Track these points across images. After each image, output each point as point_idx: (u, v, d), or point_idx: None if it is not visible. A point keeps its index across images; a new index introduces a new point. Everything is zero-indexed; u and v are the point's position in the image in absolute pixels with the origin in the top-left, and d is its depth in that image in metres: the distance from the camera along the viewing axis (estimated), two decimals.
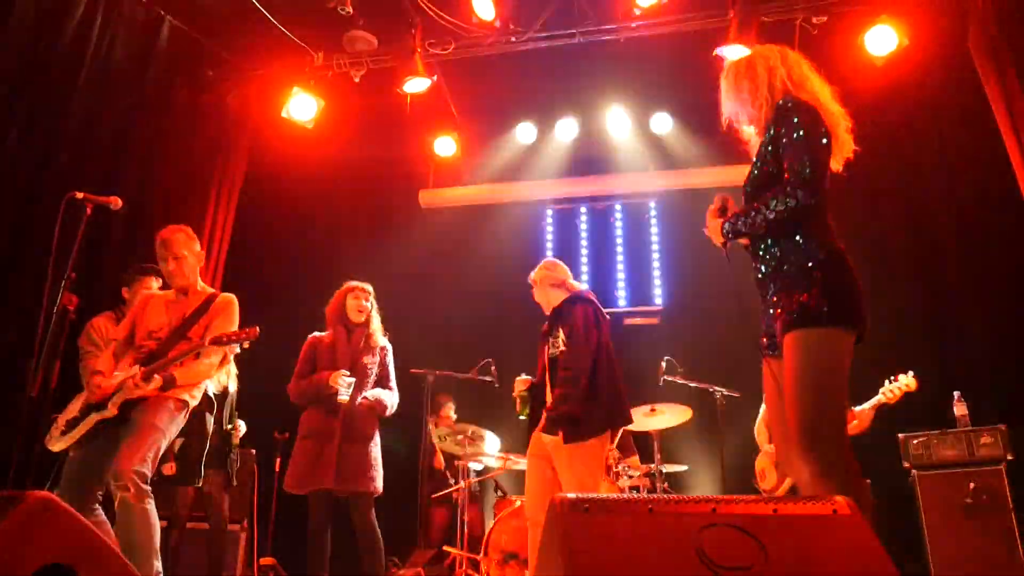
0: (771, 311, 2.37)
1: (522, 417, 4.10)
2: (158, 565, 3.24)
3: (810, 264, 2.28)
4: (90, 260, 4.59)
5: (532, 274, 4.28)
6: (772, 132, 2.40)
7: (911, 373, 4.56)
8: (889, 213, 6.77)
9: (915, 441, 4.57)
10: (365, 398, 4.42)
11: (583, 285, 4.31)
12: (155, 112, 5.95)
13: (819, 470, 2.10)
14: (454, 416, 6.46)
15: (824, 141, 2.33)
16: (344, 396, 4.28)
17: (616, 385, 3.88)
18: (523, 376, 4.16)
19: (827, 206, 2.40)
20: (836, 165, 2.50)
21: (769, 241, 2.39)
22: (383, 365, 4.62)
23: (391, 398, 4.58)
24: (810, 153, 2.28)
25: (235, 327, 3.65)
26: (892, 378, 4.62)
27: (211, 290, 3.85)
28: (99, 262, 5.17)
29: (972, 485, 4.27)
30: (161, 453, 3.39)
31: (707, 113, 7.58)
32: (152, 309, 3.76)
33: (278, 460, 5.59)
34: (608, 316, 4.10)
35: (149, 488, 3.27)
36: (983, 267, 5.98)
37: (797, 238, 2.33)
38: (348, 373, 4.34)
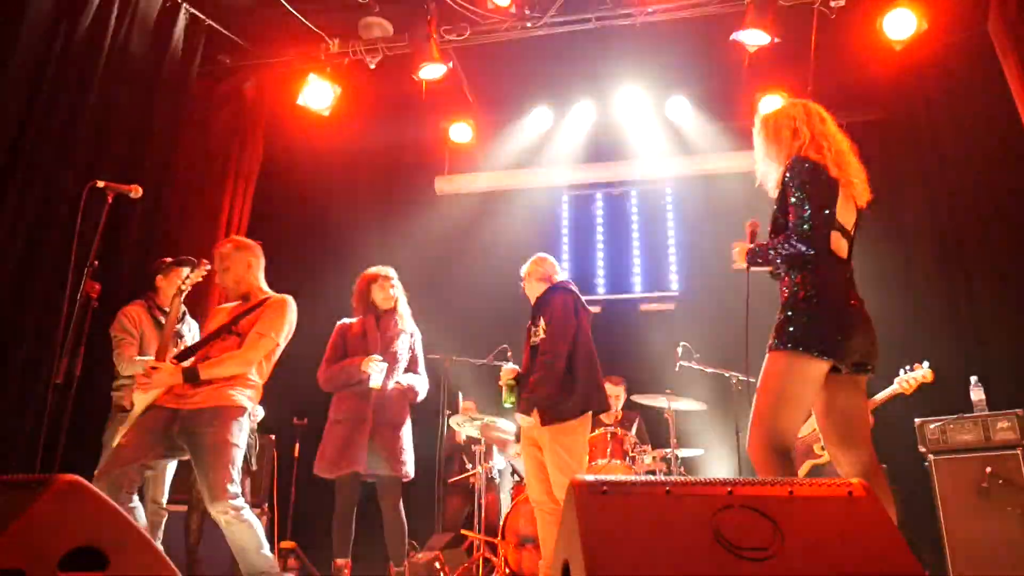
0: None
1: (507, 405, 4.22)
2: (268, 551, 3.32)
3: (801, 295, 2.65)
4: (109, 248, 4.64)
5: (522, 269, 4.40)
6: (784, 186, 2.73)
7: (927, 364, 4.56)
8: (908, 198, 6.72)
9: (932, 426, 4.56)
10: (398, 383, 4.44)
11: (564, 275, 4.41)
12: (172, 101, 5.98)
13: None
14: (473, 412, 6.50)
15: (821, 203, 2.65)
16: (376, 381, 4.27)
17: (593, 371, 4.04)
18: (510, 365, 4.26)
19: (844, 246, 2.74)
20: (860, 204, 2.79)
21: (783, 270, 2.78)
22: (412, 351, 4.64)
23: (422, 383, 4.61)
24: (811, 211, 2.62)
25: (285, 326, 3.64)
26: (909, 368, 4.62)
27: (272, 293, 3.82)
28: (118, 250, 5.22)
29: (988, 469, 4.26)
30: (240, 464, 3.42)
31: (723, 98, 7.59)
32: (212, 317, 3.84)
33: (297, 445, 5.65)
34: (588, 307, 4.25)
35: (243, 502, 3.30)
36: (1002, 251, 5.93)
37: (804, 274, 2.68)
38: (380, 358, 4.34)
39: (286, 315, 3.65)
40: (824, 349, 2.56)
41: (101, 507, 1.75)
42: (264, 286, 3.81)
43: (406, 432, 4.45)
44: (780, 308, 2.70)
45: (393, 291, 4.62)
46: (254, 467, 5.33)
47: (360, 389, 4.33)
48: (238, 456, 3.37)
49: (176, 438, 3.33)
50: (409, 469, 4.38)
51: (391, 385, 4.41)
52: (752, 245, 2.83)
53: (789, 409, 2.60)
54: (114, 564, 1.70)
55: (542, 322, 4.08)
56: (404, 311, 4.66)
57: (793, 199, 2.65)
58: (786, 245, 2.63)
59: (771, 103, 6.71)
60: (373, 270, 4.69)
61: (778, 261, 2.70)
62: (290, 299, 3.74)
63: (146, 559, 1.79)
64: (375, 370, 4.28)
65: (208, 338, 3.57)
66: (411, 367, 4.61)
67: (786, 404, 2.60)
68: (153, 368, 3.37)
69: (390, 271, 4.71)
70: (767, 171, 2.95)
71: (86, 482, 1.75)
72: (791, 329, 2.60)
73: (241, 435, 3.42)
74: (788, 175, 2.69)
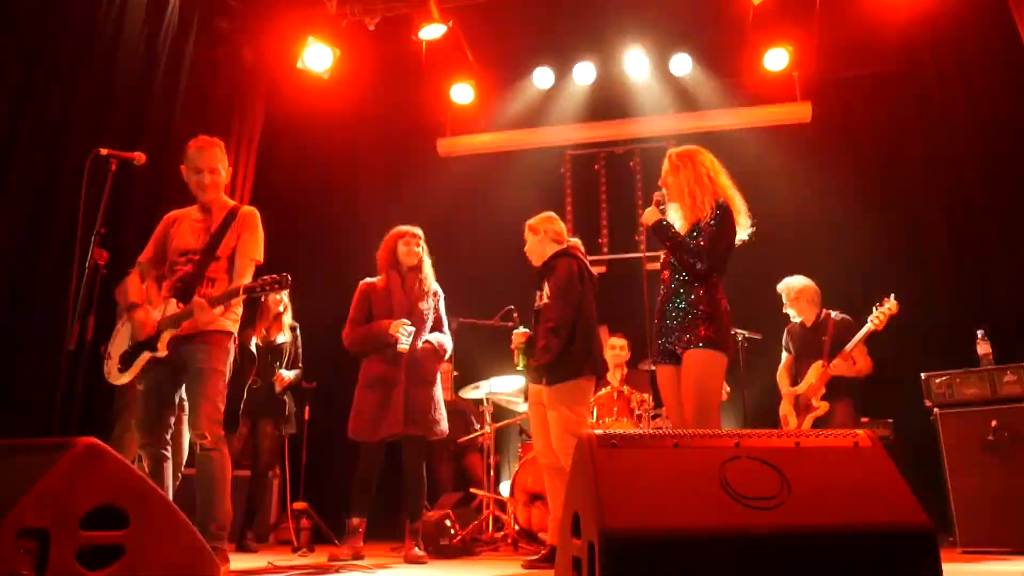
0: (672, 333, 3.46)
1: (520, 368, 4.24)
2: (229, 505, 3.39)
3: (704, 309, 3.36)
4: (115, 215, 4.65)
5: (532, 221, 4.32)
6: (706, 220, 3.41)
7: (892, 296, 4.70)
8: (916, 154, 6.67)
9: (938, 380, 4.57)
10: (427, 342, 4.47)
11: (575, 239, 4.37)
12: (171, 67, 5.94)
13: None
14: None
15: (730, 242, 3.45)
16: (405, 345, 4.28)
17: (592, 339, 4.07)
18: (521, 329, 4.26)
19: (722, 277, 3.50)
20: (741, 237, 3.52)
21: (680, 279, 3.50)
22: (437, 310, 4.66)
23: (448, 342, 4.64)
24: (723, 246, 3.40)
25: (260, 244, 3.64)
26: (878, 304, 4.69)
27: (231, 202, 3.77)
28: (123, 217, 5.23)
29: (994, 423, 4.28)
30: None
31: (728, 54, 7.50)
32: (181, 228, 3.66)
33: (307, 408, 5.70)
34: (594, 272, 4.25)
35: (223, 432, 3.41)
36: (1009, 207, 5.90)
37: (705, 289, 3.39)
38: (408, 322, 4.34)
39: (260, 231, 3.69)
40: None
41: (119, 468, 1.78)
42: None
43: (438, 390, 4.49)
44: (680, 314, 3.39)
45: (418, 249, 4.62)
46: (286, 432, 5.46)
47: (390, 353, 4.33)
48: (225, 383, 3.48)
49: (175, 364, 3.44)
50: (444, 426, 4.45)
51: (420, 344, 4.44)
52: (664, 220, 3.54)
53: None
54: (134, 522, 1.74)
55: (546, 287, 4.09)
56: (428, 271, 4.66)
57: (713, 232, 3.36)
58: (696, 253, 3.35)
59: (776, 57, 6.64)
60: (401, 228, 4.68)
61: (679, 253, 3.40)
62: (256, 211, 3.73)
63: (165, 517, 1.83)
64: (404, 334, 4.28)
65: (200, 262, 3.55)
66: (437, 326, 4.63)
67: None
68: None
69: (417, 230, 4.70)
70: (677, 203, 3.59)
71: (104, 444, 1.78)
72: (712, 333, 3.29)
73: (228, 362, 3.51)
74: (716, 215, 3.39)
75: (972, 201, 6.19)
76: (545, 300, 4.08)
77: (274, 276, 3.47)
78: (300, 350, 5.66)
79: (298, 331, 5.67)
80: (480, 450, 6.39)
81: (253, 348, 5.40)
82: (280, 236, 6.94)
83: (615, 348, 5.81)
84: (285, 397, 5.49)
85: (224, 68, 6.69)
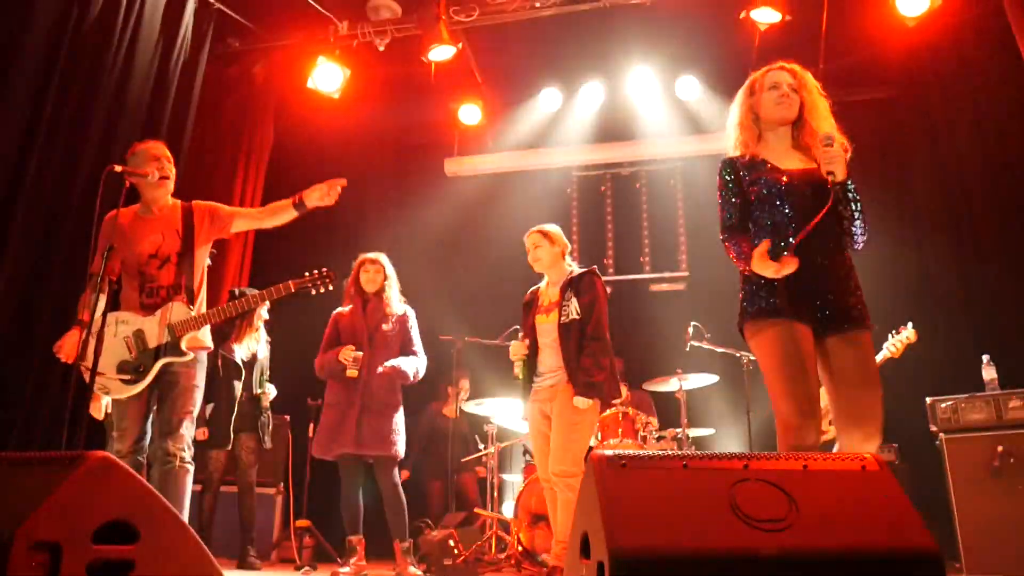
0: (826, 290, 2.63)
1: (520, 378, 4.21)
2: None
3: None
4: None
5: (550, 229, 4.28)
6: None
7: (911, 325, 4.67)
8: (920, 175, 6.69)
9: (943, 405, 4.57)
10: (386, 368, 4.52)
11: None
12: (183, 85, 6.00)
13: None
14: (465, 394, 6.56)
15: None
16: (352, 371, 4.47)
17: (614, 360, 4.14)
18: (521, 338, 4.26)
19: None
20: None
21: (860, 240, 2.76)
22: (404, 331, 4.71)
23: (413, 364, 4.65)
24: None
25: None
26: (895, 331, 4.69)
27: (178, 201, 3.72)
28: None
29: (1000, 448, 4.26)
30: None
31: (734, 77, 7.50)
32: (137, 229, 3.58)
33: (311, 426, 5.71)
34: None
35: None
36: (1014, 229, 5.91)
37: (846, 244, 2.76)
38: (354, 348, 4.51)
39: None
40: None
41: (130, 483, 1.80)
42: None
43: (396, 415, 4.57)
44: (850, 287, 2.66)
45: (377, 275, 4.69)
46: (267, 445, 5.40)
47: (344, 377, 4.51)
48: (200, 401, 3.54)
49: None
50: (399, 448, 4.52)
51: (379, 370, 4.51)
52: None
53: None
54: (145, 537, 1.75)
55: (574, 302, 4.04)
56: (391, 294, 4.75)
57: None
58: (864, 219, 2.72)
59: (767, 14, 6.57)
60: (364, 256, 4.83)
61: (863, 220, 2.70)
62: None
63: (175, 533, 1.84)
64: (349, 359, 4.47)
65: (180, 264, 3.55)
66: (405, 348, 4.68)
67: None
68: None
69: (379, 256, 4.82)
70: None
71: (116, 458, 1.79)
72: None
73: (202, 375, 3.53)
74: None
75: (977, 226, 6.20)
76: (574, 315, 4.02)
77: (321, 271, 3.55)
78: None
79: (270, 344, 5.62)
80: (476, 470, 6.40)
81: (239, 361, 5.32)
82: (287, 254, 7.01)
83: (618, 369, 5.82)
84: (269, 412, 5.46)
85: (235, 86, 6.77)
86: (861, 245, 2.73)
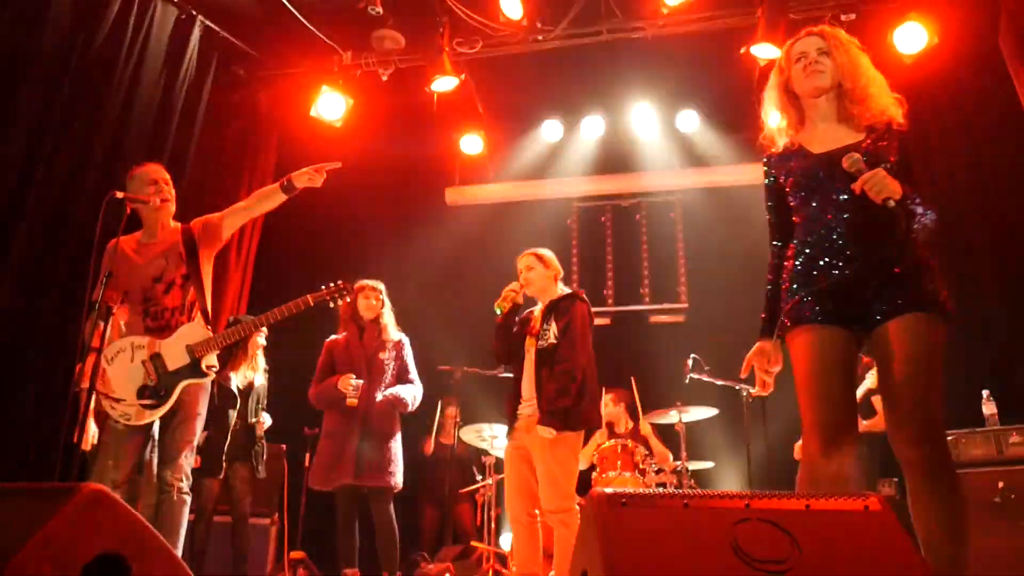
0: (876, 282, 2.35)
1: (497, 311, 4.10)
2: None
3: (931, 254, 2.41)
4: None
5: (544, 253, 4.24)
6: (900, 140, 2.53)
7: None
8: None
9: None
10: (385, 396, 4.49)
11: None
12: (187, 111, 6.04)
13: (940, 458, 2.25)
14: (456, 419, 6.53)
15: None
16: (352, 400, 4.42)
17: (597, 388, 4.03)
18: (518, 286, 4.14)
19: None
20: None
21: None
22: (401, 359, 4.70)
23: (410, 392, 4.64)
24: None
25: None
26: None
27: (178, 224, 3.75)
28: None
29: (1001, 484, 4.24)
30: None
31: (733, 111, 7.59)
32: (142, 254, 3.59)
33: (308, 456, 5.66)
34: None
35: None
36: (1013, 265, 5.92)
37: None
38: (355, 376, 4.46)
39: None
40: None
41: (123, 516, 1.77)
42: None
43: (394, 444, 4.54)
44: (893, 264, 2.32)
45: (375, 301, 4.68)
46: (261, 474, 5.34)
47: (343, 406, 4.45)
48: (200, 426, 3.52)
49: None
50: (397, 479, 4.48)
51: (378, 398, 4.47)
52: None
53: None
54: (136, 571, 1.72)
55: (554, 327, 3.95)
56: (388, 321, 4.74)
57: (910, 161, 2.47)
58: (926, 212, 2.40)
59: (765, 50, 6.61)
60: (362, 282, 4.78)
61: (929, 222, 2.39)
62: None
63: (167, 567, 1.81)
64: (351, 389, 4.42)
65: (185, 287, 3.56)
66: (402, 376, 4.66)
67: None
68: None
69: (377, 283, 4.81)
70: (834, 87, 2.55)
71: (109, 491, 1.77)
72: (943, 293, 2.38)
73: (205, 402, 3.53)
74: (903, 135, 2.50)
75: (976, 260, 6.20)
76: (552, 340, 3.93)
77: (337, 284, 3.57)
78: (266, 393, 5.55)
79: (269, 374, 5.56)
80: (472, 500, 6.33)
81: (234, 389, 5.25)
82: (288, 281, 6.99)
83: (615, 408, 5.82)
84: (263, 441, 5.41)
85: (239, 113, 6.81)
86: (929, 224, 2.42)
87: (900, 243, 2.31)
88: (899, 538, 1.58)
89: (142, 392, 3.38)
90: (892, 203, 2.25)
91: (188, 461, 3.37)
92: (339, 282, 3.79)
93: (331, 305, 3.73)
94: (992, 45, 5.67)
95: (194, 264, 3.57)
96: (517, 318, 4.23)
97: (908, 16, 5.49)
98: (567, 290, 4.19)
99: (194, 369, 3.40)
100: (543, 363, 3.93)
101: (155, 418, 3.38)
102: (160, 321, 3.48)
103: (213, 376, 3.46)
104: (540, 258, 4.21)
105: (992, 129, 6.12)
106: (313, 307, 3.64)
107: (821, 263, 2.39)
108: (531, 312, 4.30)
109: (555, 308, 4.05)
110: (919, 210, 2.37)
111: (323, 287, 3.77)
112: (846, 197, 2.38)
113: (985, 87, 6.06)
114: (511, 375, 5.49)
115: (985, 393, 4.68)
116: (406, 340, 4.78)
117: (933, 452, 2.23)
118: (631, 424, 5.83)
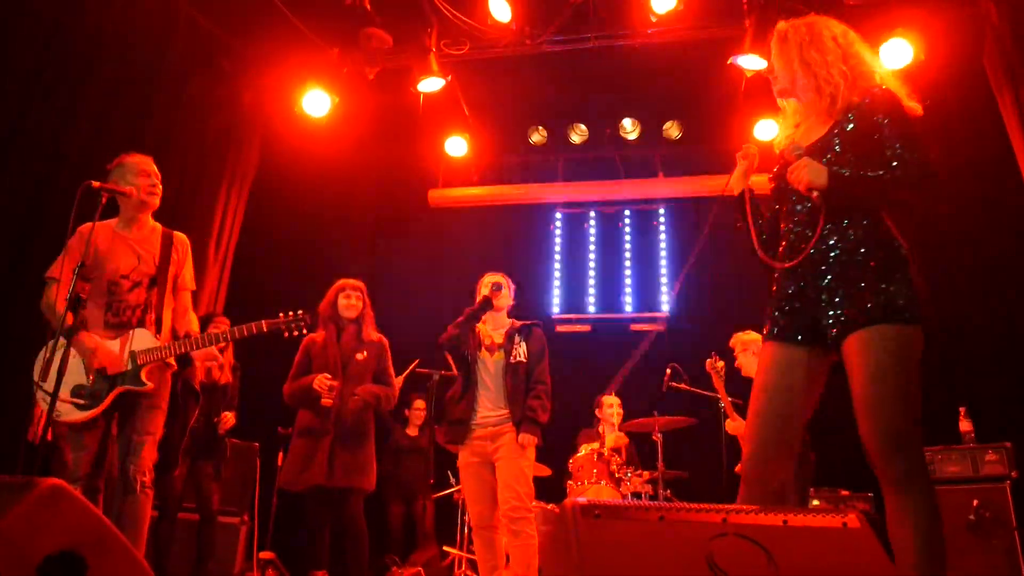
0: (833, 297, 2.23)
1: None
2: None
3: (898, 254, 2.29)
4: None
5: (505, 281, 4.47)
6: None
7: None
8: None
9: None
10: (365, 394, 4.44)
11: None
12: (169, 103, 5.96)
13: (904, 473, 2.12)
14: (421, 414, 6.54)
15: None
16: (327, 399, 4.38)
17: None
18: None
19: None
20: None
21: (846, 221, 2.27)
22: (378, 360, 4.64)
23: (385, 392, 4.60)
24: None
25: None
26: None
27: (155, 222, 3.67)
28: None
29: (976, 502, 4.25)
30: None
31: (719, 121, 7.61)
32: (113, 246, 3.49)
33: (280, 455, 5.58)
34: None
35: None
36: (993, 283, 5.96)
37: (879, 223, 2.28)
38: (330, 377, 4.40)
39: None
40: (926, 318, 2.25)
41: (82, 512, 1.72)
42: None
43: (368, 445, 4.51)
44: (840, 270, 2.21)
45: (356, 301, 4.63)
46: (219, 475, 5.25)
47: (318, 406, 4.41)
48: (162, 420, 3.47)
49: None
50: (371, 480, 4.45)
51: (354, 396, 4.42)
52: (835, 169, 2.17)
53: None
54: (93, 569, 1.67)
55: (524, 346, 4.27)
56: (367, 322, 4.68)
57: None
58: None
59: (767, 128, 6.74)
60: (343, 280, 4.76)
61: (888, 186, 2.27)
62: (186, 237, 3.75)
63: (126, 565, 1.76)
64: (325, 388, 4.36)
65: (151, 288, 3.50)
66: (379, 377, 4.61)
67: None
68: None
69: (357, 282, 4.78)
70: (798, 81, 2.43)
71: (68, 486, 1.72)
72: (905, 299, 2.26)
73: (166, 395, 3.49)
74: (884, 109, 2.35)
75: (957, 279, 6.25)
76: (523, 359, 4.22)
77: (297, 313, 3.49)
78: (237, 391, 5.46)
79: (239, 372, 5.49)
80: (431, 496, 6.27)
81: (197, 386, 5.12)
82: (266, 279, 6.92)
83: (612, 407, 5.79)
84: (227, 439, 5.31)
85: (222, 107, 6.72)
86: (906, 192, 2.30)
87: (851, 247, 2.21)
88: (877, 556, 1.55)
89: (77, 391, 3.29)
90: (815, 193, 2.17)
91: (151, 455, 3.29)
92: (299, 312, 3.70)
93: (285, 335, 3.66)
94: (976, 64, 5.72)
95: (164, 271, 3.52)
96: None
97: (894, 32, 5.52)
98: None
99: (134, 377, 3.32)
100: (516, 377, 4.18)
101: (82, 418, 3.27)
102: (121, 317, 3.40)
103: (148, 387, 3.35)
104: (509, 283, 4.49)
105: (976, 149, 6.17)
106: (266, 333, 3.55)
107: (778, 274, 2.32)
108: (477, 327, 4.38)
109: (526, 331, 4.36)
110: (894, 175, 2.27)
111: (280, 314, 3.67)
112: (795, 199, 2.33)
113: (969, 106, 6.10)
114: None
115: (961, 410, 4.70)
116: (385, 342, 4.73)
117: (903, 466, 2.13)
118: (625, 438, 5.81)
